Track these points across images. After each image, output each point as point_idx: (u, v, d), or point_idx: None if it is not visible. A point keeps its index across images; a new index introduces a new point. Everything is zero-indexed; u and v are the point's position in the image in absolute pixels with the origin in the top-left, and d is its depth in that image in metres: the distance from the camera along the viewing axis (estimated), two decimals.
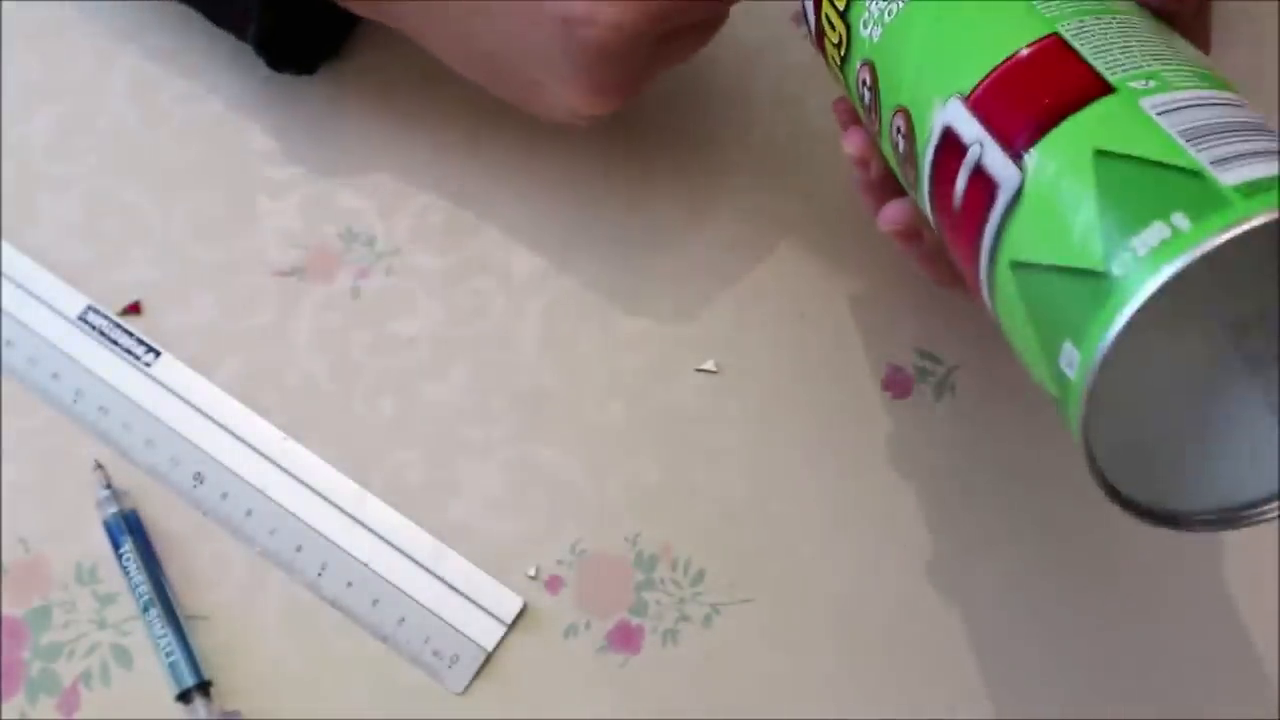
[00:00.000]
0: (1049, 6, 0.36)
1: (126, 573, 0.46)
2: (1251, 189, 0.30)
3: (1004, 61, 0.35)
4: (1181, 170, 0.31)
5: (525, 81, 0.45)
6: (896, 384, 0.49)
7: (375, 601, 0.46)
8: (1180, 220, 0.30)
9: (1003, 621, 0.46)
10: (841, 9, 0.41)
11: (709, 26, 0.45)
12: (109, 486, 0.47)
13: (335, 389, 0.49)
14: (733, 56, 0.53)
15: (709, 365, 0.49)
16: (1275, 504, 0.34)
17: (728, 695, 0.45)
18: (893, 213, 0.42)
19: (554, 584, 0.46)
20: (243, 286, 0.50)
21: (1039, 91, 0.34)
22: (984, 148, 0.35)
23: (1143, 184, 0.32)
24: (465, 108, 0.51)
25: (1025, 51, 0.35)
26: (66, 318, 0.49)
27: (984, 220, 0.35)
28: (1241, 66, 0.53)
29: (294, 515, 0.47)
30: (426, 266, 0.50)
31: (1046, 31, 0.35)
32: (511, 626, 0.46)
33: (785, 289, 0.50)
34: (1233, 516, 0.34)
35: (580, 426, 0.48)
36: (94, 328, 0.49)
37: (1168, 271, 0.30)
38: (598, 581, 0.46)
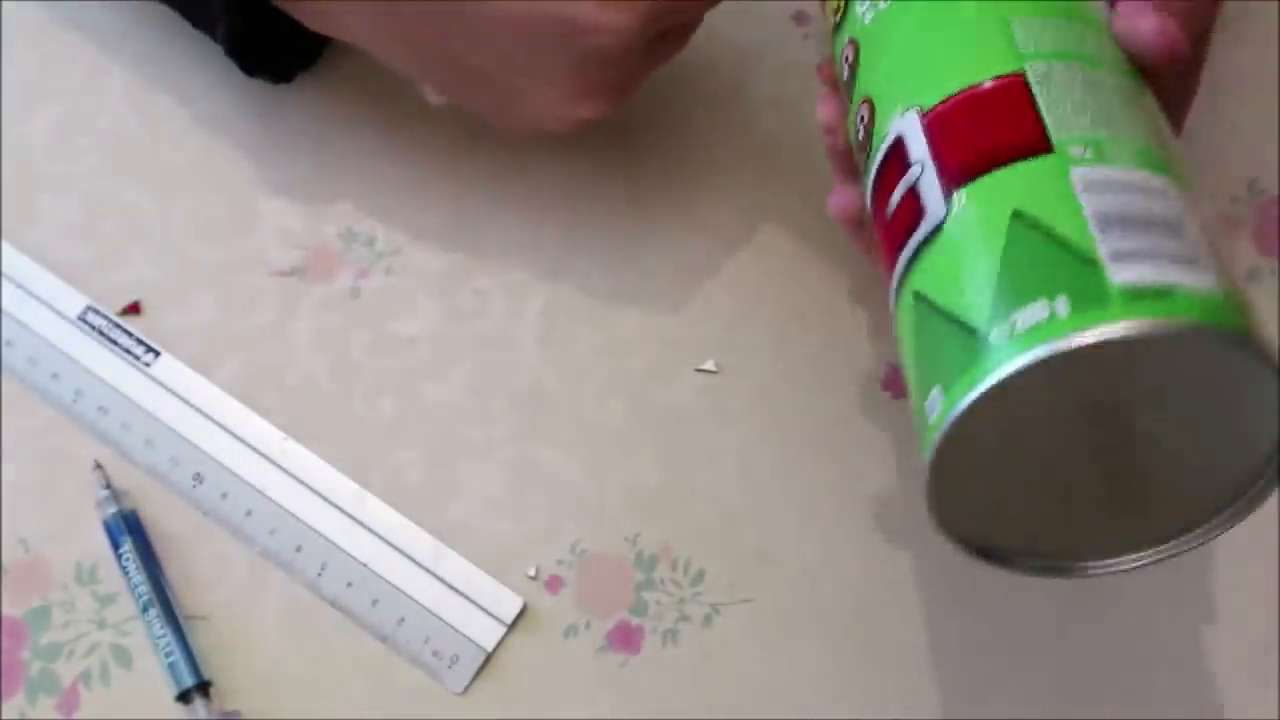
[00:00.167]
0: (1027, 39, 0.36)
1: (126, 573, 0.46)
2: (1137, 293, 0.30)
3: (966, 89, 0.35)
4: (1080, 256, 0.31)
5: (508, 93, 0.44)
6: (896, 384, 0.49)
7: (375, 601, 0.46)
8: (1061, 306, 0.30)
9: (1004, 621, 0.46)
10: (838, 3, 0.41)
11: (690, 26, 0.45)
12: (109, 486, 0.47)
13: (335, 389, 0.49)
14: (732, 56, 0.53)
15: (709, 365, 0.49)
16: (1098, 564, 0.35)
17: (728, 695, 0.45)
18: (839, 199, 0.42)
19: (554, 584, 0.46)
20: (243, 286, 0.50)
21: (985, 132, 0.34)
22: (924, 171, 0.35)
23: (1043, 258, 0.31)
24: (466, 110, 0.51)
25: (987, 85, 0.35)
26: (66, 318, 0.49)
27: (905, 242, 0.35)
28: (1242, 66, 0.53)
29: (294, 515, 0.47)
30: (426, 266, 0.50)
31: (1013, 69, 0.35)
32: (511, 627, 0.46)
33: (785, 289, 0.50)
34: (1059, 567, 0.35)
35: (580, 426, 0.48)
36: (94, 328, 0.49)
37: (1028, 358, 0.30)
38: (598, 581, 0.46)
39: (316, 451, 0.48)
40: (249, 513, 0.47)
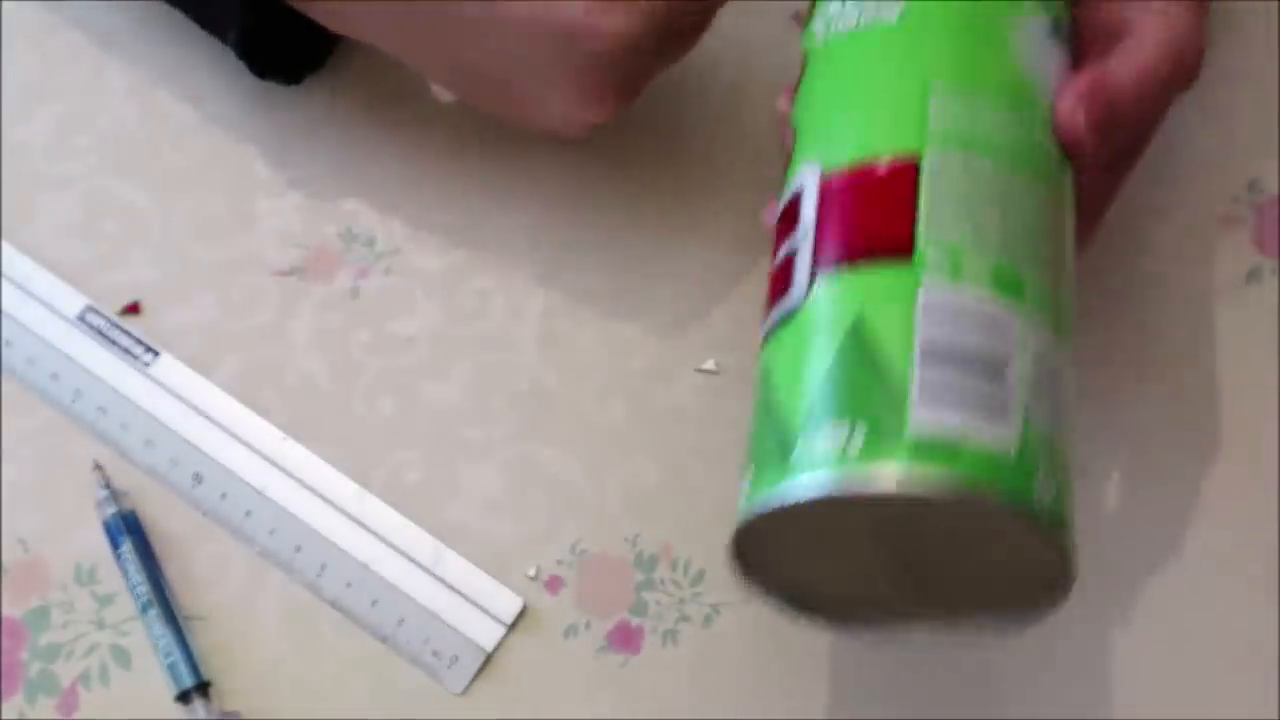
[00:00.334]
0: (941, 116, 0.35)
1: (125, 573, 0.46)
2: (928, 444, 0.30)
3: (861, 161, 0.35)
4: (893, 387, 0.31)
5: (518, 95, 0.44)
6: None
7: (375, 602, 0.46)
8: (858, 437, 0.30)
9: None
10: None
11: (699, 28, 0.45)
12: (108, 487, 0.47)
13: (335, 389, 0.49)
14: (732, 55, 0.53)
15: (709, 365, 0.49)
16: (906, 635, 0.36)
17: (728, 695, 0.45)
18: (771, 214, 0.42)
19: (554, 584, 0.46)
20: (242, 286, 0.50)
21: (861, 218, 0.34)
22: (804, 242, 0.35)
23: (862, 379, 0.31)
24: (467, 109, 0.51)
25: (883, 162, 0.34)
26: (65, 318, 0.49)
27: (774, 305, 0.35)
28: (1241, 66, 0.53)
29: (293, 515, 0.47)
30: (426, 266, 0.50)
31: (912, 150, 0.34)
32: (511, 627, 0.46)
33: None
34: (869, 632, 0.36)
35: (580, 426, 0.48)
36: (93, 328, 0.49)
37: (809, 491, 0.30)
38: (598, 581, 0.46)
39: (316, 451, 0.48)
40: (249, 513, 0.47)
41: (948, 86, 0.35)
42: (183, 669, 0.45)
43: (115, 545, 0.46)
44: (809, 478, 0.31)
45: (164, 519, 0.47)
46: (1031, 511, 0.31)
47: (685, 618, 0.46)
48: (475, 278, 0.50)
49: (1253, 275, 0.50)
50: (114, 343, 0.49)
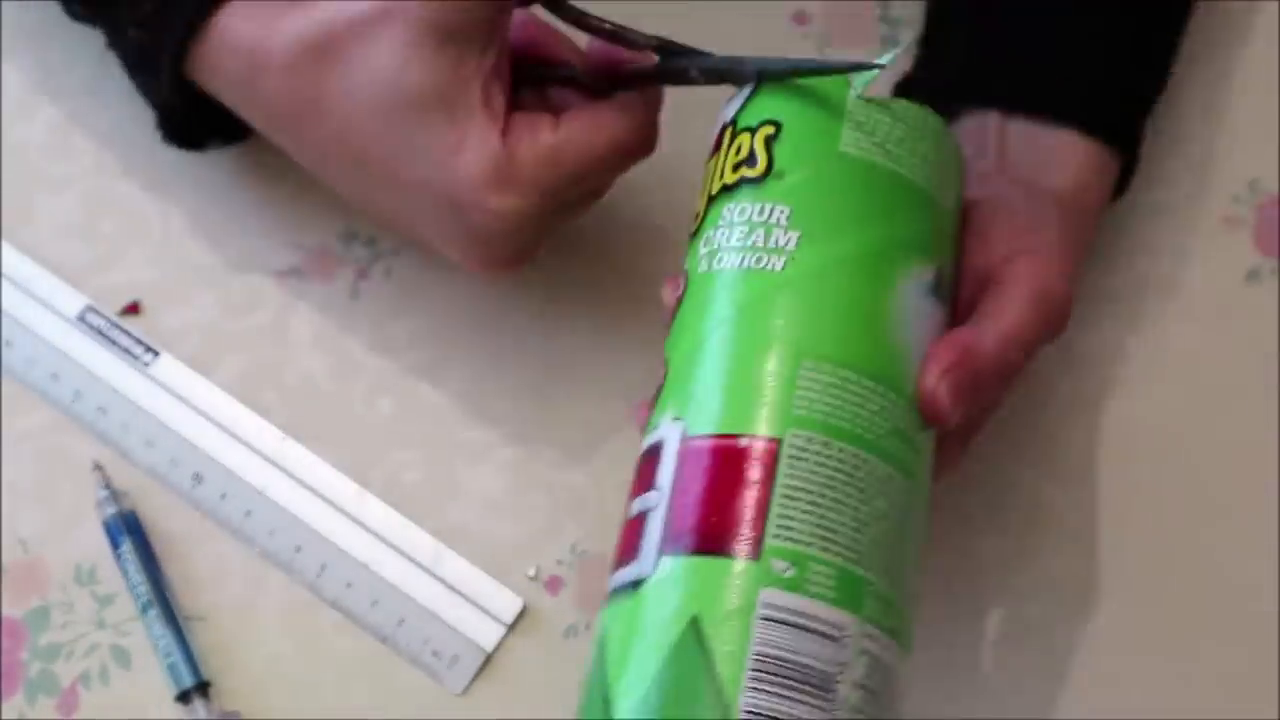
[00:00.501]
0: (807, 398, 0.34)
1: (125, 573, 0.46)
2: None
3: (726, 436, 0.34)
4: (720, 701, 0.31)
5: (424, 243, 0.44)
6: None
7: (375, 602, 0.46)
8: None
9: (1004, 622, 0.46)
10: (704, 202, 0.39)
11: (594, 195, 0.45)
12: (108, 487, 0.47)
13: (335, 389, 0.49)
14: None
15: None
16: None
17: None
18: (670, 290, 0.40)
19: (554, 584, 0.46)
20: (242, 286, 0.50)
21: (716, 500, 0.33)
22: (657, 508, 0.34)
23: (689, 688, 0.31)
24: None
25: (743, 443, 0.34)
26: (65, 318, 0.49)
27: (621, 564, 0.35)
28: (1241, 66, 0.53)
29: (293, 516, 0.47)
30: (426, 266, 0.50)
31: (775, 435, 0.33)
32: (511, 627, 0.46)
33: None
34: None
35: (580, 426, 0.48)
36: (93, 328, 0.49)
37: None
38: (598, 582, 0.46)
39: (316, 451, 0.48)
40: (249, 513, 0.47)
41: (818, 365, 0.34)
42: (183, 669, 0.45)
43: (115, 545, 0.46)
44: None
45: (164, 519, 0.47)
46: None
47: None
48: (474, 277, 0.50)
49: (1252, 275, 0.50)
50: (114, 343, 0.49)
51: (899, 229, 0.37)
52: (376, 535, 0.47)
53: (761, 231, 0.36)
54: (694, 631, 0.32)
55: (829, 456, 0.33)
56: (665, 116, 0.44)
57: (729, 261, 0.36)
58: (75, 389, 0.48)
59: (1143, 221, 0.51)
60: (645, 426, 0.37)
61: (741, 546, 0.32)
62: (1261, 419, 0.48)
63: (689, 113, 0.44)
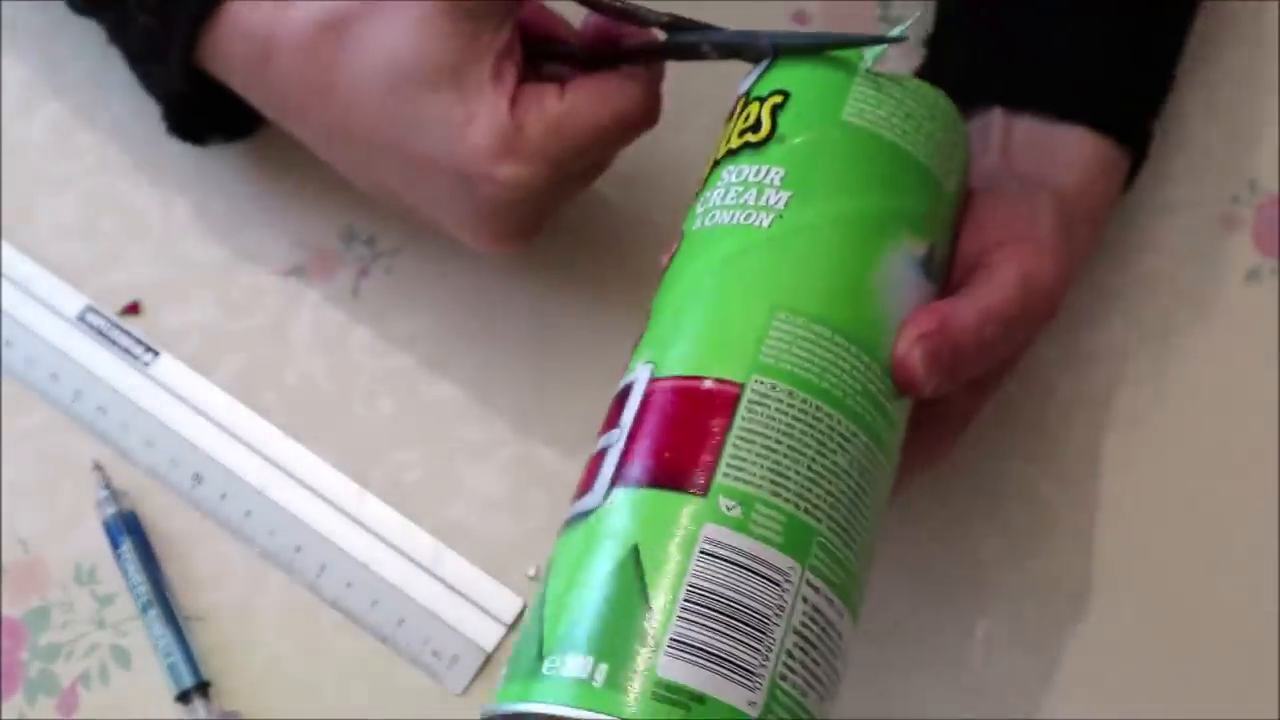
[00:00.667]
0: (776, 348, 0.34)
1: (125, 573, 0.46)
2: (670, 693, 0.30)
3: (690, 378, 0.34)
4: (649, 631, 0.31)
5: (430, 222, 0.45)
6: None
7: (375, 602, 0.46)
8: (600, 674, 0.31)
9: (1004, 622, 0.46)
10: (709, 168, 0.39)
11: (598, 168, 0.45)
12: (108, 487, 0.47)
13: (334, 389, 0.49)
14: None
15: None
16: None
17: None
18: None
19: None
20: (243, 286, 0.50)
21: (671, 438, 0.33)
22: (615, 447, 0.34)
23: (624, 613, 0.31)
24: None
25: (706, 385, 0.34)
26: (65, 318, 0.49)
27: (579, 493, 0.35)
28: (1241, 66, 0.53)
29: (293, 515, 0.47)
30: (426, 266, 0.50)
31: (738, 379, 0.34)
32: (511, 627, 0.46)
33: None
34: None
35: (581, 425, 0.48)
36: (93, 328, 0.49)
37: (544, 709, 0.31)
38: None
39: (316, 451, 0.48)
40: (248, 513, 0.47)
41: (791, 318, 0.34)
42: (183, 669, 0.45)
43: (115, 545, 0.46)
44: (544, 700, 0.31)
45: (164, 519, 0.47)
46: None
47: None
48: (474, 276, 0.50)
49: (1252, 275, 0.50)
50: (114, 343, 0.49)
51: (894, 200, 0.37)
52: (376, 535, 0.47)
53: (755, 191, 0.36)
54: (633, 560, 0.32)
55: (791, 405, 0.34)
56: (668, 114, 0.44)
57: (720, 219, 0.37)
58: (75, 389, 0.48)
59: (1143, 221, 0.51)
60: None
61: (690, 482, 0.33)
62: (1261, 419, 0.48)
63: (691, 109, 0.44)
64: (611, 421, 0.35)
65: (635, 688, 0.30)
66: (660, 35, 0.42)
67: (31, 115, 0.52)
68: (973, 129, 0.45)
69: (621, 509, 0.33)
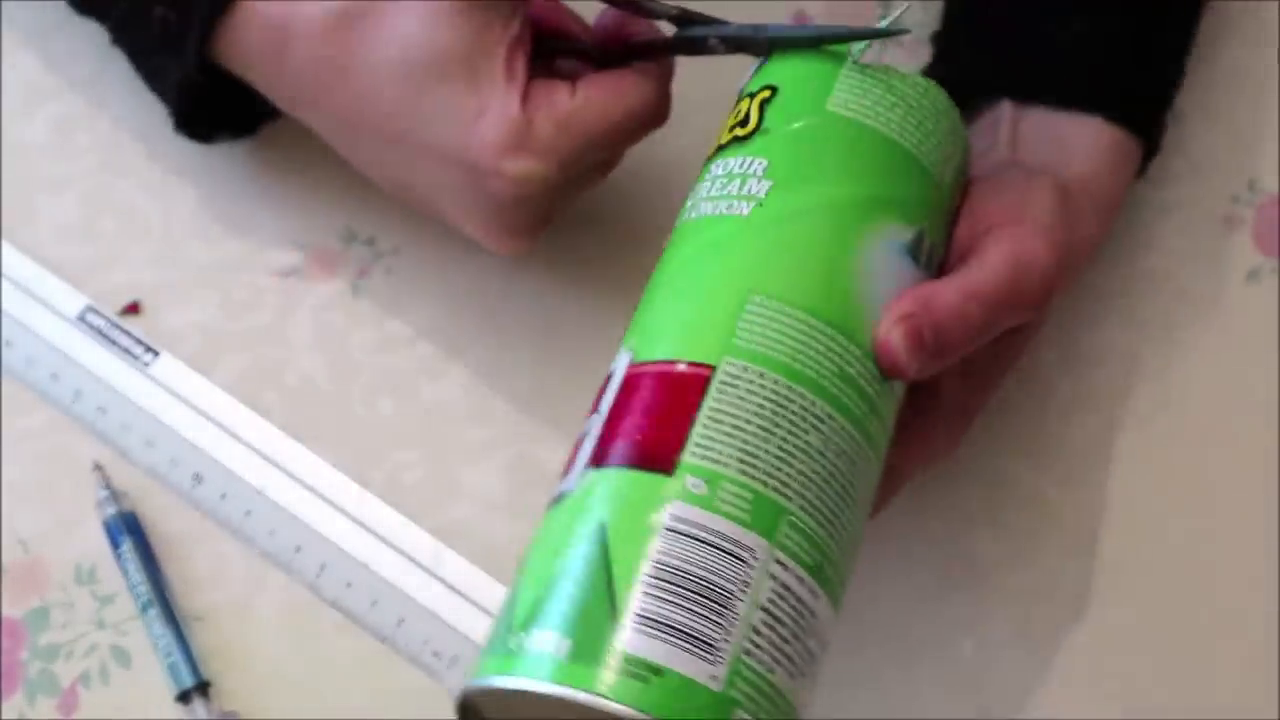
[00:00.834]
0: (749, 330, 0.34)
1: (125, 573, 0.46)
2: (636, 668, 0.30)
3: (664, 361, 0.35)
4: (612, 606, 0.31)
5: (441, 217, 0.45)
6: None
7: (374, 602, 0.46)
8: (563, 647, 0.31)
9: (1005, 622, 0.46)
10: (712, 151, 0.39)
11: (607, 166, 0.45)
12: (108, 487, 0.47)
13: (335, 389, 0.49)
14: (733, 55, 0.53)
15: None
16: None
17: None
18: None
19: None
20: (243, 286, 0.50)
21: (641, 423, 0.34)
22: (592, 431, 0.35)
23: (590, 590, 0.32)
24: None
25: (680, 368, 0.34)
26: (65, 318, 0.49)
27: (562, 475, 0.35)
28: (1241, 66, 0.53)
29: (293, 515, 0.47)
30: (426, 266, 0.50)
31: (709, 361, 0.34)
32: None
33: None
34: None
35: (580, 426, 0.48)
36: (93, 328, 0.49)
37: (516, 684, 0.31)
38: None
39: (316, 451, 0.48)
40: (248, 513, 0.47)
41: (766, 301, 0.34)
42: (183, 669, 0.45)
43: (115, 545, 0.46)
44: (513, 675, 0.31)
45: (164, 519, 0.47)
46: None
47: None
48: (474, 276, 0.50)
49: (1252, 275, 0.50)
50: (114, 343, 0.49)
51: (877, 187, 0.37)
52: (376, 535, 0.47)
53: (738, 181, 0.37)
54: (599, 537, 0.32)
55: (761, 386, 0.34)
56: (673, 117, 0.44)
57: (704, 210, 0.37)
58: (75, 389, 0.48)
59: (1143, 221, 0.51)
60: None
61: (658, 462, 0.33)
62: (1262, 419, 0.48)
63: (691, 110, 0.44)
64: (593, 407, 0.36)
65: (598, 662, 0.31)
66: (669, 30, 0.42)
67: (31, 115, 0.52)
68: (981, 124, 0.45)
69: (593, 489, 0.33)
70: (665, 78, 0.43)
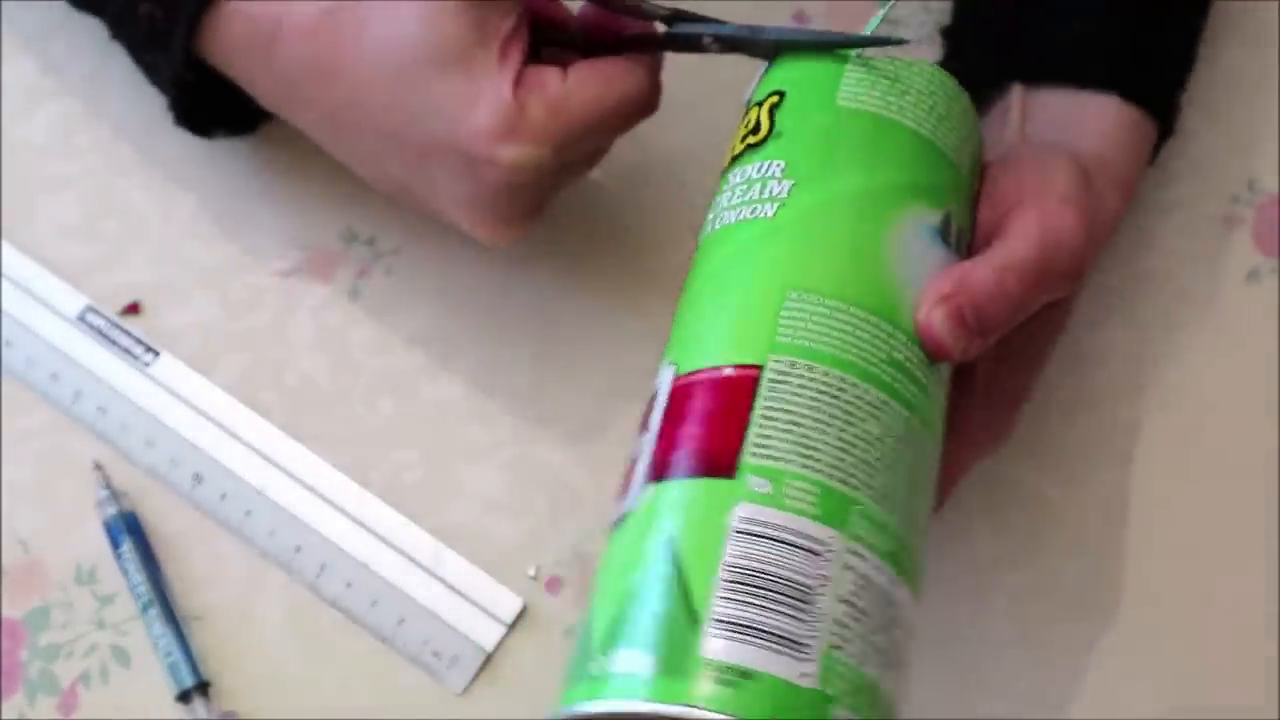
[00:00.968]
0: (792, 325, 0.34)
1: (125, 573, 0.46)
2: (724, 673, 0.30)
3: (709, 369, 0.34)
4: (690, 614, 0.31)
5: (434, 211, 0.44)
6: None
7: (374, 602, 0.46)
8: (648, 663, 0.31)
9: (1005, 622, 0.46)
10: (725, 163, 0.39)
11: (598, 153, 0.45)
12: (108, 487, 0.47)
13: (335, 389, 0.49)
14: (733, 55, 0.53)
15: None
16: None
17: None
18: None
19: (554, 584, 0.46)
20: (243, 286, 0.50)
21: (696, 429, 0.34)
22: (648, 445, 0.35)
23: (664, 599, 0.31)
24: None
25: (725, 373, 0.34)
26: (65, 318, 0.49)
27: (618, 499, 0.35)
28: (1241, 66, 0.53)
29: (293, 516, 0.47)
30: (426, 266, 0.50)
31: (756, 361, 0.34)
32: (511, 627, 0.46)
33: None
34: None
35: (581, 425, 0.48)
36: (93, 328, 0.49)
37: (603, 707, 0.31)
38: None
39: (316, 451, 0.48)
40: (248, 513, 0.47)
41: (804, 296, 0.34)
42: (183, 669, 0.45)
43: (115, 545, 0.46)
44: (599, 699, 0.31)
45: (164, 519, 0.47)
46: None
47: None
48: (474, 277, 0.50)
49: (1252, 275, 0.50)
50: (114, 343, 0.49)
51: (898, 174, 0.37)
52: (376, 535, 0.47)
53: (758, 186, 0.37)
54: (669, 549, 0.32)
55: (812, 380, 0.33)
56: (666, 117, 0.44)
57: (727, 219, 0.37)
58: (75, 389, 0.48)
59: (1143, 221, 0.51)
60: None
61: (718, 467, 0.33)
62: (1262, 419, 0.48)
63: (690, 112, 0.44)
64: (642, 426, 0.36)
65: (686, 673, 0.30)
66: (661, 27, 0.42)
67: (31, 115, 0.52)
68: (994, 109, 0.45)
69: (656, 504, 0.33)
70: (656, 66, 0.43)
